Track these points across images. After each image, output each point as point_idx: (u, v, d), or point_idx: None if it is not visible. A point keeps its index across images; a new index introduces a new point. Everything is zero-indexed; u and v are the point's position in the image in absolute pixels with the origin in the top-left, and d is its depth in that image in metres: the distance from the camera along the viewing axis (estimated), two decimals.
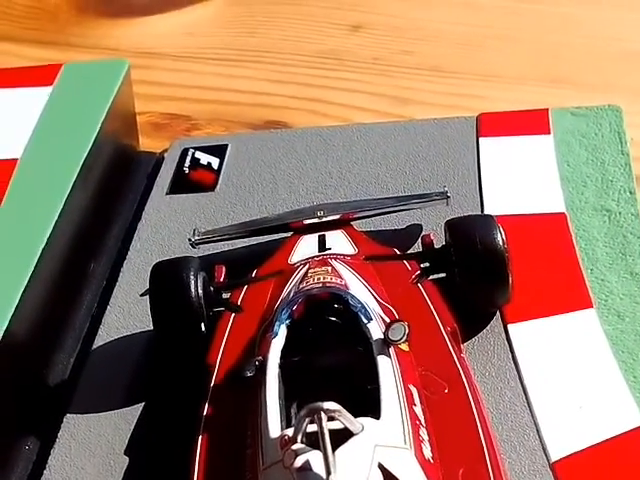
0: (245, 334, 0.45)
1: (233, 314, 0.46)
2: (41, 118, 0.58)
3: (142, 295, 0.53)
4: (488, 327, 0.47)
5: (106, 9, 0.85)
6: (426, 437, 0.37)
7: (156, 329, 0.47)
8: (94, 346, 0.51)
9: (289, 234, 0.53)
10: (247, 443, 0.38)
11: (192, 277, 0.46)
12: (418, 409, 0.38)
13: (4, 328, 0.45)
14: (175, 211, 0.59)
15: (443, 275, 0.48)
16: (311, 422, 0.33)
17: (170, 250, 0.56)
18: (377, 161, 0.59)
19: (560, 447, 0.41)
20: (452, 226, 0.47)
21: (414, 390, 0.39)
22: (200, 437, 0.40)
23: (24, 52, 0.78)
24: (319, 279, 0.44)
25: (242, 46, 0.80)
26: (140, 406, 0.47)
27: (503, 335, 0.46)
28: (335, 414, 0.33)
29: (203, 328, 0.46)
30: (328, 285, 0.43)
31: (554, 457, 0.40)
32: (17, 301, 0.46)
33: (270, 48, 0.79)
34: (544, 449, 0.41)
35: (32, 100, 0.59)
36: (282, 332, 0.41)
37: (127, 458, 0.45)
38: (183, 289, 0.46)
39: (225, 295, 0.49)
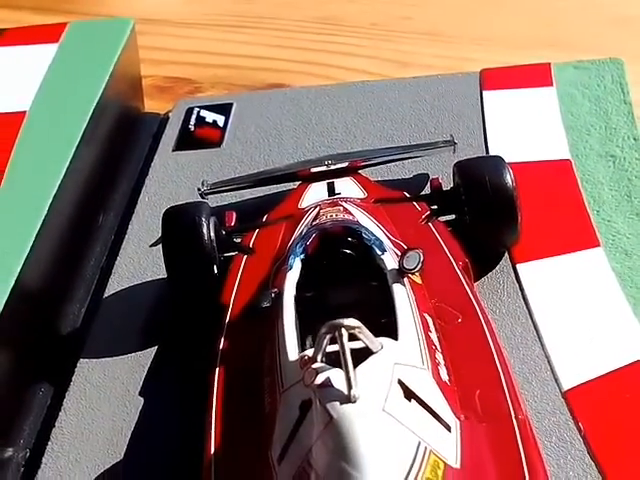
0: (258, 274, 0.45)
1: (245, 256, 0.47)
2: (48, 73, 0.58)
3: (151, 246, 0.54)
4: (497, 267, 0.48)
5: None
6: (442, 361, 0.37)
7: (169, 272, 0.47)
8: (105, 294, 0.51)
9: (297, 184, 0.53)
10: (264, 371, 0.39)
11: (204, 221, 0.47)
12: (433, 335, 0.38)
13: (15, 277, 0.45)
14: (182, 166, 0.59)
15: (452, 217, 0.48)
16: (331, 341, 0.34)
17: (178, 203, 0.56)
18: (382, 116, 0.60)
19: (572, 377, 0.41)
20: (461, 167, 0.47)
21: (429, 318, 0.39)
22: (217, 369, 0.40)
23: (24, 19, 0.78)
24: (332, 216, 0.44)
25: (242, 12, 0.80)
26: (153, 350, 0.48)
27: (512, 274, 0.47)
28: (355, 330, 0.33)
29: (215, 270, 0.47)
30: (340, 220, 0.43)
31: (566, 386, 0.41)
32: (27, 252, 0.47)
33: (269, 14, 0.80)
34: (556, 379, 0.42)
35: (39, 56, 0.60)
36: (297, 265, 0.41)
37: (142, 399, 0.45)
38: (195, 232, 0.46)
39: (237, 239, 0.49)
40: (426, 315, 0.39)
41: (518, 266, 0.47)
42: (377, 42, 0.76)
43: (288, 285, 0.40)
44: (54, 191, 0.50)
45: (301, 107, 0.63)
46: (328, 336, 0.33)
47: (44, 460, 0.43)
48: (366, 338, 0.34)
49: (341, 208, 0.46)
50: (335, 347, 0.33)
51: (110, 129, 0.60)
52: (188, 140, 0.61)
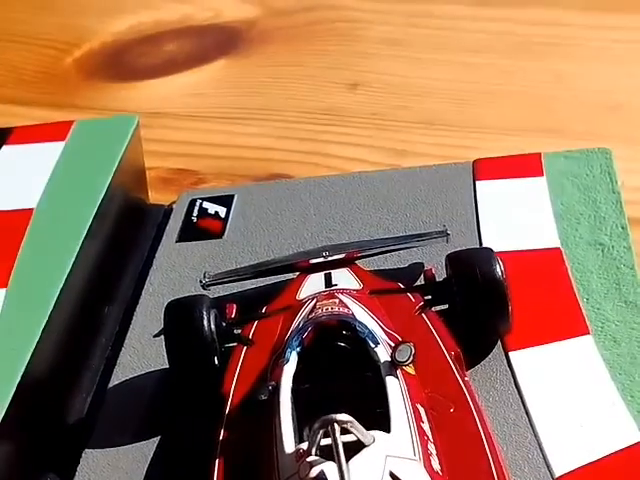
0: (257, 365, 0.47)
1: (245, 347, 0.48)
2: (54, 171, 0.61)
3: (155, 336, 0.55)
4: (490, 355, 0.49)
5: (112, 73, 0.88)
6: (434, 451, 0.38)
7: (171, 363, 0.49)
8: (110, 385, 0.53)
9: (296, 274, 0.55)
10: (262, 462, 0.40)
11: (205, 313, 0.49)
12: (426, 426, 0.40)
13: (23, 369, 0.47)
14: (185, 257, 0.61)
15: (445, 307, 0.50)
16: (325, 435, 0.35)
17: (181, 293, 0.57)
18: (378, 206, 0.62)
19: (563, 463, 0.42)
20: (453, 259, 0.49)
21: (421, 409, 0.40)
22: (217, 460, 0.41)
23: (35, 114, 0.80)
24: (327, 309, 0.46)
25: (245, 105, 0.83)
26: (156, 439, 0.49)
27: (505, 362, 0.48)
28: (347, 425, 0.35)
29: (216, 361, 0.48)
30: (336, 313, 0.45)
31: (558, 472, 0.42)
32: (35, 344, 0.48)
33: (272, 106, 0.82)
34: (548, 465, 0.43)
35: (46, 154, 0.62)
36: (293, 358, 0.43)
37: None
38: (196, 324, 0.48)
39: (237, 331, 0.51)
40: (419, 405, 0.40)
41: (510, 354, 0.48)
42: (376, 132, 0.78)
43: (285, 378, 0.42)
44: (60, 285, 0.51)
45: (300, 198, 0.64)
46: (322, 430, 0.35)
47: None
48: (358, 432, 0.35)
49: (337, 300, 0.47)
50: (329, 440, 0.35)
51: (116, 221, 0.62)
52: (191, 231, 0.63)
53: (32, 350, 0.47)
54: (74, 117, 0.78)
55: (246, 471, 0.41)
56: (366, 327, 0.43)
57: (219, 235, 0.62)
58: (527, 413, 0.45)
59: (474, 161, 0.63)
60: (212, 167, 0.75)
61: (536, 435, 0.44)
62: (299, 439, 0.40)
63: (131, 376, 0.53)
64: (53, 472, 0.49)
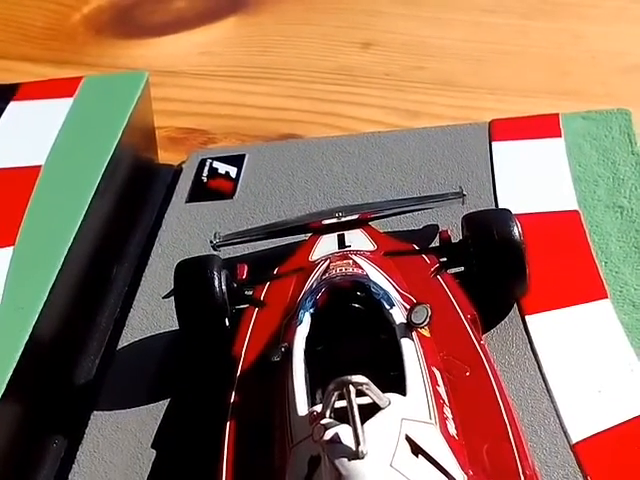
0: (269, 327, 0.46)
1: (256, 309, 0.47)
2: (63, 127, 0.59)
3: (165, 297, 0.54)
4: (506, 319, 0.48)
5: (121, 30, 0.86)
6: (450, 415, 0.38)
7: (181, 325, 0.48)
8: (119, 346, 0.52)
9: (308, 236, 0.54)
10: (274, 425, 0.39)
11: (216, 273, 0.48)
12: (441, 389, 0.39)
13: (30, 329, 0.46)
14: (195, 218, 0.60)
15: (461, 269, 0.49)
16: (340, 397, 0.34)
17: (191, 254, 0.56)
18: (392, 167, 0.61)
19: (580, 429, 0.41)
20: (470, 220, 0.48)
21: (437, 372, 0.40)
22: (228, 423, 0.41)
23: (43, 72, 0.79)
24: (341, 270, 0.45)
25: (256, 64, 0.81)
26: (165, 402, 0.48)
27: (521, 326, 0.47)
28: (363, 387, 0.34)
29: (227, 323, 0.47)
30: (350, 274, 0.44)
31: (575, 439, 0.41)
32: (43, 303, 0.47)
33: (283, 65, 0.81)
34: (564, 432, 0.42)
35: (54, 111, 0.61)
36: (306, 320, 0.42)
37: (154, 451, 0.46)
38: (207, 285, 0.47)
39: (247, 292, 0.50)
40: (434, 369, 0.40)
41: (527, 318, 0.47)
42: (389, 92, 0.77)
43: (298, 340, 0.41)
44: (68, 244, 0.50)
45: (312, 158, 0.63)
46: (336, 392, 0.34)
47: None
48: (373, 394, 0.34)
49: (351, 261, 0.46)
50: (343, 403, 0.34)
51: (124, 181, 0.61)
52: (201, 191, 0.62)
53: (39, 310, 0.46)
54: (82, 74, 0.78)
55: (258, 433, 0.40)
56: (381, 288, 0.42)
57: (230, 195, 0.61)
58: (543, 378, 0.44)
59: (490, 122, 0.62)
60: (222, 127, 0.74)
61: (553, 401, 0.43)
62: (312, 402, 0.39)
63: (140, 338, 0.52)
64: (61, 434, 0.49)
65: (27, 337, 0.45)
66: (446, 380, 0.40)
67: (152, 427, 0.47)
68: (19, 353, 0.44)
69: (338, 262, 0.47)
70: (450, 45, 0.81)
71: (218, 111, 0.76)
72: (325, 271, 0.46)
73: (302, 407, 0.37)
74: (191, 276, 0.48)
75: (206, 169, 0.64)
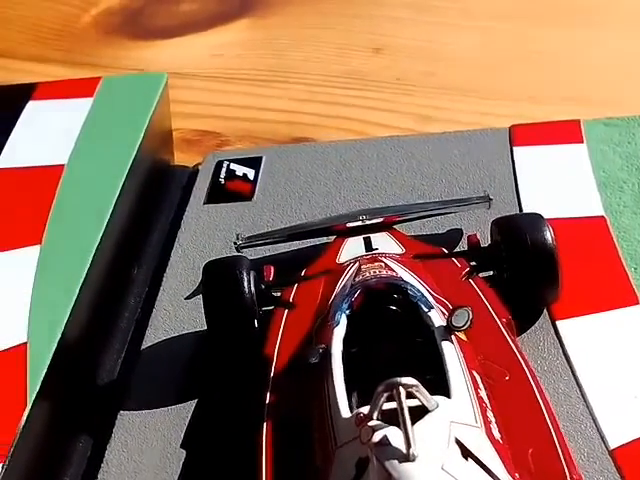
0: (300, 328, 0.45)
1: (286, 310, 0.47)
2: (84, 127, 0.59)
3: (187, 298, 0.54)
4: (536, 324, 0.48)
5: (131, 32, 0.86)
6: (493, 419, 0.37)
7: (209, 325, 0.48)
8: (143, 346, 0.52)
9: (331, 239, 0.54)
10: (314, 426, 0.39)
11: (245, 274, 0.47)
12: (483, 393, 0.39)
13: (62, 328, 0.46)
14: (214, 219, 0.60)
15: (489, 274, 0.49)
16: (388, 399, 0.34)
17: (211, 255, 0.56)
18: (412, 171, 0.60)
19: (618, 435, 0.41)
20: (501, 224, 0.48)
21: (477, 376, 0.39)
22: (265, 423, 0.40)
23: (53, 72, 0.79)
24: (374, 272, 0.45)
25: (267, 67, 0.81)
26: (193, 402, 0.48)
27: (552, 331, 0.47)
28: (413, 389, 0.34)
29: (256, 324, 0.47)
30: (385, 276, 0.44)
31: (613, 444, 0.41)
32: (73, 303, 0.47)
33: (294, 69, 0.81)
34: (602, 437, 0.42)
35: (74, 110, 0.61)
36: (343, 321, 0.42)
37: (184, 451, 0.45)
38: (237, 286, 0.47)
39: (275, 293, 0.49)
40: (474, 373, 0.39)
41: (558, 323, 0.47)
42: (401, 97, 0.77)
43: (336, 341, 0.41)
44: (96, 244, 0.50)
45: (330, 161, 0.63)
46: (385, 394, 0.34)
47: None
48: (422, 396, 0.34)
49: (382, 264, 0.46)
50: (389, 405, 0.34)
51: (142, 182, 0.61)
52: (219, 193, 0.62)
53: (70, 309, 0.46)
54: (93, 75, 0.77)
55: (295, 433, 0.39)
56: (418, 291, 0.42)
57: (248, 197, 0.61)
58: (578, 384, 0.44)
59: (510, 127, 0.62)
60: (235, 129, 0.74)
61: (588, 406, 0.43)
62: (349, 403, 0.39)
63: (164, 338, 0.52)
64: (86, 434, 0.48)
65: (59, 335, 0.44)
66: (486, 384, 0.40)
67: (181, 427, 0.46)
68: (52, 352, 0.43)
69: (369, 265, 0.46)
70: (461, 51, 0.81)
71: (231, 113, 0.76)
72: (356, 273, 0.46)
73: (345, 409, 0.37)
74: (220, 277, 0.48)
75: (223, 171, 0.63)
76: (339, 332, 0.41)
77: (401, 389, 0.33)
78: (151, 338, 0.52)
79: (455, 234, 0.55)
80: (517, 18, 0.84)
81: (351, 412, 0.36)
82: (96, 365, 0.52)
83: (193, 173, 0.65)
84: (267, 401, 0.42)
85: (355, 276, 0.45)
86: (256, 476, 0.38)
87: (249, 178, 0.63)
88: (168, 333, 0.52)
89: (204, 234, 0.59)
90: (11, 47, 0.83)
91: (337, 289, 0.46)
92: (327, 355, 0.40)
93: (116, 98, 0.61)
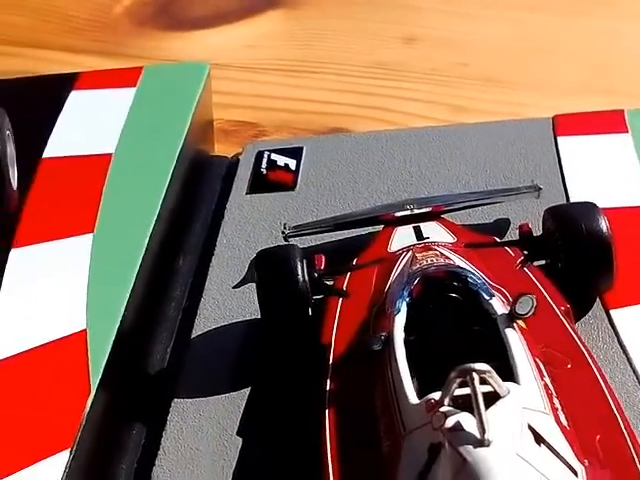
0: (356, 316, 0.46)
1: (340, 298, 0.47)
2: (129, 117, 0.59)
3: (235, 287, 0.54)
4: (590, 313, 0.48)
5: (163, 23, 0.86)
6: (559, 406, 0.38)
7: (264, 314, 0.48)
8: (193, 335, 0.52)
9: (376, 228, 0.54)
10: (379, 412, 0.39)
11: (299, 263, 0.47)
12: (547, 380, 0.39)
13: (120, 317, 0.46)
14: (257, 209, 0.60)
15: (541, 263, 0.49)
16: (461, 385, 0.34)
17: (258, 245, 0.56)
18: (455, 161, 0.61)
19: None
20: (555, 213, 0.48)
21: (540, 363, 0.39)
22: (327, 410, 0.41)
23: (87, 63, 0.79)
24: (431, 261, 0.45)
25: (300, 57, 0.81)
26: (246, 390, 0.48)
27: (606, 320, 0.47)
28: (486, 375, 0.34)
29: (310, 312, 0.47)
30: (443, 264, 0.44)
31: None
32: (129, 291, 0.47)
33: (327, 59, 0.81)
34: None
35: (118, 100, 0.61)
36: (404, 309, 0.42)
37: (240, 439, 0.45)
38: (291, 274, 0.47)
39: (327, 282, 0.50)
40: (537, 360, 0.39)
41: (612, 312, 0.47)
42: (434, 87, 0.77)
43: (397, 328, 0.41)
44: (149, 232, 0.50)
45: (372, 152, 0.63)
46: (458, 380, 0.34)
47: None
48: (495, 382, 0.34)
49: (437, 252, 0.46)
50: (459, 391, 0.34)
51: (185, 171, 0.61)
52: (261, 183, 0.62)
53: (127, 297, 0.46)
54: (127, 66, 0.77)
55: (360, 421, 0.40)
56: (479, 278, 0.42)
57: (291, 187, 0.61)
58: (635, 372, 0.44)
59: (553, 117, 0.62)
60: (272, 120, 0.74)
61: None
62: None
63: (213, 327, 0.52)
64: (139, 421, 0.48)
65: (118, 323, 0.45)
66: (549, 372, 0.40)
67: (236, 414, 0.46)
68: (112, 339, 0.44)
69: (424, 253, 0.46)
70: (493, 42, 0.81)
71: (266, 104, 0.76)
72: (412, 262, 0.46)
73: (412, 396, 0.37)
74: (275, 265, 0.48)
75: (264, 161, 0.64)
76: (400, 319, 0.41)
77: (475, 375, 0.33)
78: (201, 327, 0.52)
79: (502, 224, 0.55)
80: (549, 8, 0.84)
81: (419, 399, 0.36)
82: (146, 353, 0.52)
83: (232, 163, 0.66)
84: (327, 388, 0.42)
85: (411, 264, 0.45)
86: (321, 462, 0.39)
87: (291, 168, 0.63)
88: (217, 322, 0.52)
89: (248, 224, 0.59)
90: (46, 38, 0.83)
91: (392, 277, 0.46)
92: (389, 342, 0.40)
93: (159, 88, 0.61)
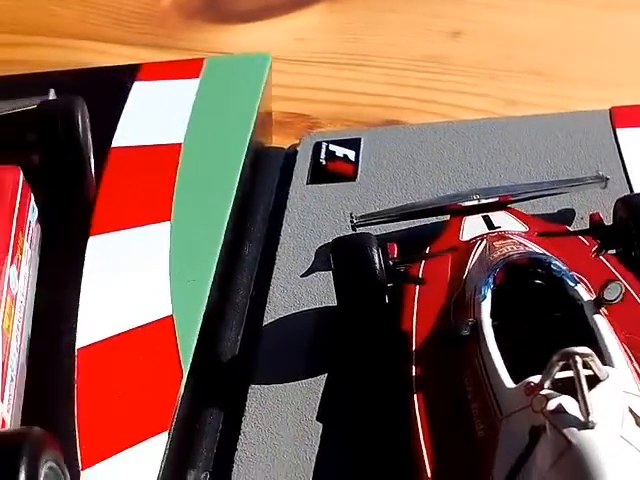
0: (434, 303, 0.46)
1: (417, 286, 0.48)
2: (195, 107, 0.60)
3: (303, 276, 0.55)
4: None
5: (211, 16, 0.87)
6: None
7: (340, 301, 0.48)
8: (264, 323, 0.52)
9: (440, 218, 0.54)
10: (470, 397, 0.40)
11: (375, 251, 0.48)
12: (635, 365, 0.39)
13: (205, 302, 0.47)
14: (319, 199, 0.60)
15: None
16: (562, 368, 0.35)
17: (322, 234, 0.57)
18: (515, 152, 0.61)
19: None
20: (629, 203, 0.49)
21: (627, 349, 0.40)
22: (415, 395, 0.41)
23: (138, 55, 0.79)
24: (510, 249, 0.45)
25: (349, 51, 0.82)
26: (323, 377, 0.49)
27: None
28: (588, 358, 0.34)
29: (386, 299, 0.48)
30: (524, 252, 0.44)
31: None
32: (212, 277, 0.48)
33: (376, 53, 0.81)
34: None
35: (182, 91, 0.61)
36: (489, 295, 0.42)
37: (320, 424, 0.46)
38: (369, 262, 0.48)
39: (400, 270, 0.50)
40: (624, 345, 0.40)
41: None
42: (483, 80, 0.77)
43: (484, 314, 0.41)
44: (226, 222, 0.51)
45: (430, 143, 0.64)
46: (560, 363, 0.34)
47: None
48: (596, 366, 0.35)
49: (515, 241, 0.47)
50: (558, 374, 0.34)
51: (248, 161, 0.61)
52: (321, 174, 0.62)
53: (210, 283, 0.47)
54: (177, 58, 0.78)
55: (449, 406, 0.40)
56: (562, 265, 0.43)
57: (352, 178, 0.62)
58: None
59: (611, 109, 0.63)
60: (324, 111, 0.75)
61: None
62: None
63: (283, 314, 0.53)
64: (215, 407, 0.49)
65: (204, 309, 0.45)
66: (634, 357, 0.40)
67: (314, 401, 0.47)
68: (199, 325, 0.44)
69: (501, 241, 0.47)
70: (537, 35, 0.81)
71: (317, 96, 0.76)
72: (489, 250, 0.47)
73: (507, 379, 0.38)
74: (352, 253, 0.48)
75: (323, 152, 0.64)
76: (486, 306, 0.42)
77: (577, 358, 0.34)
78: (272, 314, 0.53)
79: (567, 214, 0.55)
80: (593, 2, 0.84)
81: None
82: (219, 340, 0.52)
83: (289, 154, 0.66)
84: (413, 374, 0.42)
85: (490, 253, 0.46)
86: (412, 447, 0.39)
87: (350, 159, 0.63)
88: (287, 310, 0.53)
89: (311, 214, 0.60)
90: (98, 31, 0.84)
91: (469, 265, 0.47)
92: (477, 328, 0.41)
93: (223, 79, 0.62)
